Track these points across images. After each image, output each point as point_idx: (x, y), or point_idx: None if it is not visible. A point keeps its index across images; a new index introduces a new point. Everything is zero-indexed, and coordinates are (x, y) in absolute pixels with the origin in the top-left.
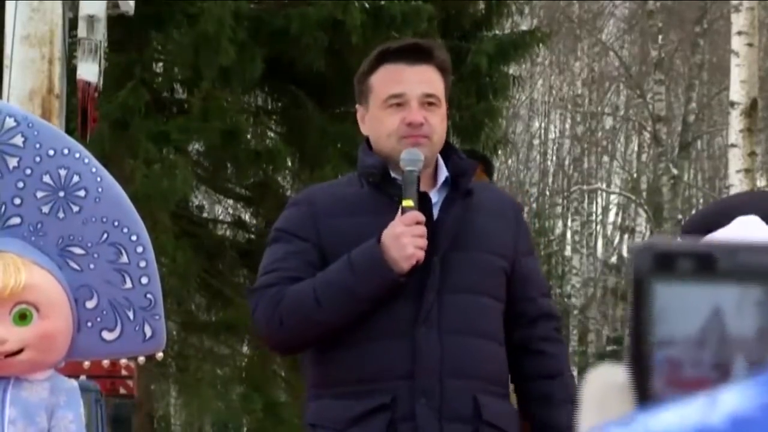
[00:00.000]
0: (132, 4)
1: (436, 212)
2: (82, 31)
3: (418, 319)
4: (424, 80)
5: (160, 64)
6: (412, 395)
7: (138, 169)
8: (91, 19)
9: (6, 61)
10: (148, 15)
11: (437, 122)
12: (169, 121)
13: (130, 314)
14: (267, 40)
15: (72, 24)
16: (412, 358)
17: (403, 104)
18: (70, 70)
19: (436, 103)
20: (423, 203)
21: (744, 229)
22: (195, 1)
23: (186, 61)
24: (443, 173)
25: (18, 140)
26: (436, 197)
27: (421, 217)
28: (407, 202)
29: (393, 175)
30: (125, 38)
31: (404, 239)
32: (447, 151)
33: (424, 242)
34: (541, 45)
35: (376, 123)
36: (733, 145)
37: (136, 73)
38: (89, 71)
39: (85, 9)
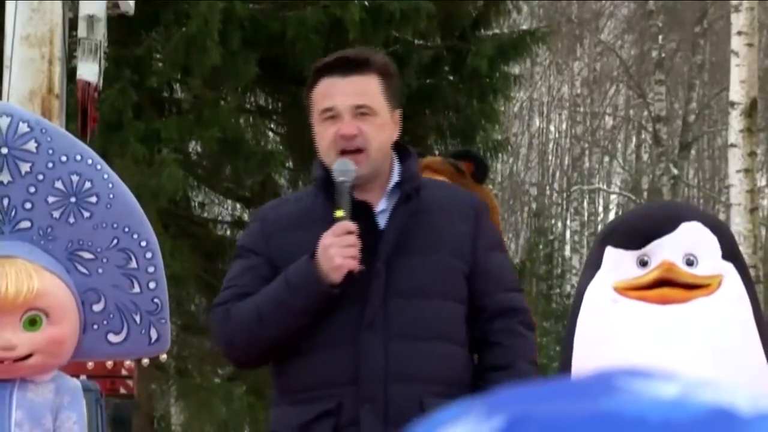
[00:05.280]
0: (132, 4)
1: (385, 219)
2: (82, 31)
3: (362, 325)
4: (355, 91)
5: (159, 64)
6: (356, 401)
7: (127, 168)
8: (91, 19)
9: (6, 61)
10: (147, 15)
11: (373, 132)
12: (161, 122)
13: (137, 318)
14: (263, 42)
15: (72, 24)
16: (355, 364)
17: (335, 117)
18: (70, 70)
19: (370, 113)
20: (364, 212)
21: (690, 235)
22: (190, 0)
23: (178, 61)
24: (394, 179)
25: (31, 146)
26: (385, 204)
27: (351, 227)
28: (339, 213)
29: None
30: (125, 38)
31: (331, 250)
32: (403, 155)
33: (353, 251)
34: (541, 44)
35: (318, 137)
36: (733, 145)
37: (125, 74)
38: (89, 71)
39: (85, 9)
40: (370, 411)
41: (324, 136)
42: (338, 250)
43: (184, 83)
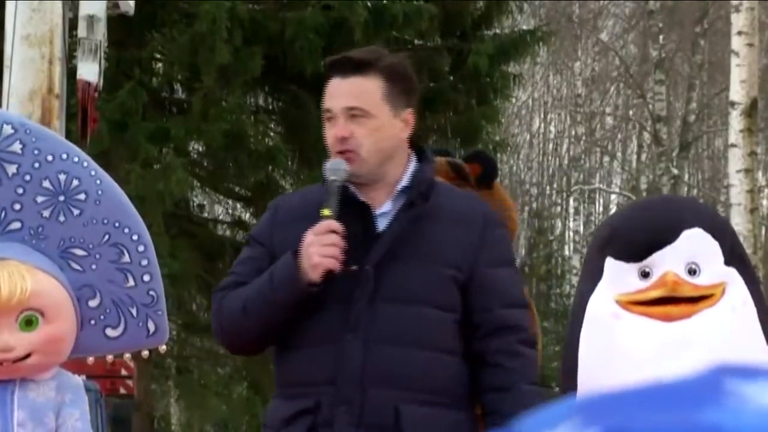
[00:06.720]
0: (132, 4)
1: (385, 222)
2: (82, 31)
3: (346, 327)
4: (350, 93)
5: (160, 64)
6: (333, 402)
7: (133, 170)
8: (91, 19)
9: (6, 61)
10: (147, 15)
11: (364, 134)
12: (169, 121)
13: (134, 311)
14: (263, 42)
15: (72, 24)
16: (335, 364)
17: (332, 118)
18: (70, 70)
19: (363, 115)
20: (363, 213)
21: (691, 243)
22: (192, 0)
23: (184, 60)
24: (403, 182)
25: (16, 147)
26: (389, 207)
27: (335, 226)
28: (325, 211)
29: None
30: (125, 38)
31: (311, 249)
32: (420, 159)
33: (333, 251)
34: (541, 44)
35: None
36: (733, 145)
37: (135, 73)
38: (89, 71)
39: (85, 9)
40: (345, 413)
41: (326, 136)
42: (317, 249)
43: (186, 82)
